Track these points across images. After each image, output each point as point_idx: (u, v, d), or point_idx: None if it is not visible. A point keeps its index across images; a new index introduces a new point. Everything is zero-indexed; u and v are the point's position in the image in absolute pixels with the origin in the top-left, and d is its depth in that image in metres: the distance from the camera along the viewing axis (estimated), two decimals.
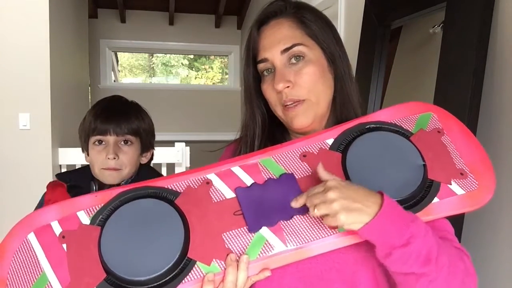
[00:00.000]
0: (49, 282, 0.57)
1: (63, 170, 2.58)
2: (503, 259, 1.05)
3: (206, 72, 8.18)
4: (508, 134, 1.03)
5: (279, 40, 0.69)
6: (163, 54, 7.60)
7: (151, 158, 1.10)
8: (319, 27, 0.71)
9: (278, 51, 0.69)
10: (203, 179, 0.63)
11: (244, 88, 0.77)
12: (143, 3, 4.63)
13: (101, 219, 0.60)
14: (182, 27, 4.89)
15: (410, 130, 0.67)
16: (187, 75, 8.37)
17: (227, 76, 5.62)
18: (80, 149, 1.05)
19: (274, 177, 0.63)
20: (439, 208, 0.61)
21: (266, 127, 0.75)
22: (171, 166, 2.42)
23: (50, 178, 2.41)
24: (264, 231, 0.59)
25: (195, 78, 8.24)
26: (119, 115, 0.99)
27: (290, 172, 0.63)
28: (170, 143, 2.46)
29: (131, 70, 8.22)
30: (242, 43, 4.99)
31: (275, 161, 0.65)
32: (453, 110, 1.11)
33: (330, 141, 0.66)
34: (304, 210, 0.59)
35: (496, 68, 1.07)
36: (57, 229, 0.60)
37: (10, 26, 2.55)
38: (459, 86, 1.10)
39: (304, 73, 0.68)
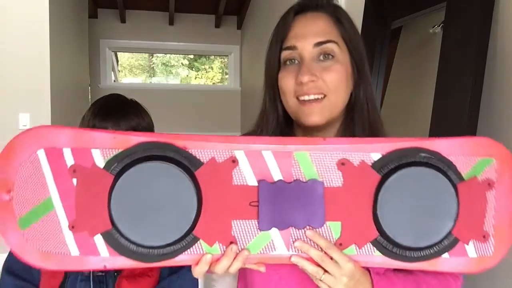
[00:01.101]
0: (55, 209, 0.55)
1: None
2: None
3: (206, 72, 8.18)
4: (508, 134, 1.03)
5: (315, 32, 0.67)
6: (163, 54, 7.60)
7: None
8: (353, 32, 0.70)
9: (311, 43, 0.67)
10: (230, 155, 0.58)
11: (265, 73, 0.74)
12: (143, 3, 4.63)
13: (116, 167, 0.56)
14: (182, 27, 4.89)
15: (462, 173, 0.61)
16: (187, 75, 8.37)
17: (227, 76, 5.62)
18: None
19: (304, 179, 0.59)
20: (445, 263, 0.60)
21: (283, 117, 0.73)
22: None
23: None
24: (273, 231, 0.58)
25: (195, 78, 8.24)
26: (118, 112, 0.98)
27: (320, 180, 0.59)
28: None
29: (131, 70, 8.22)
30: (242, 43, 4.99)
31: (310, 159, 0.60)
32: (453, 110, 1.12)
33: (375, 156, 0.60)
34: (320, 223, 0.58)
35: (496, 68, 1.07)
36: (68, 158, 0.56)
37: (10, 26, 2.55)
38: (459, 86, 1.10)
39: (332, 71, 0.66)
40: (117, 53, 5.72)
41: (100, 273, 0.90)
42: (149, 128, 1.04)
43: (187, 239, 0.57)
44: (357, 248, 0.59)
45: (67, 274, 0.90)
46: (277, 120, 0.73)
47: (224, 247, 0.57)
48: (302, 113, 0.68)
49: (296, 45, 0.67)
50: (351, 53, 0.69)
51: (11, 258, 0.94)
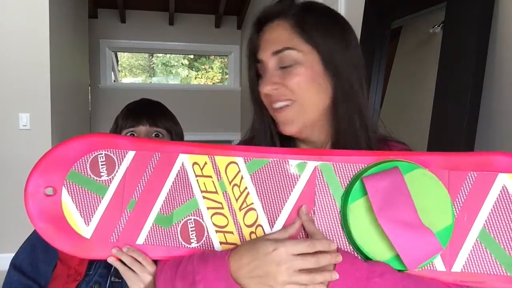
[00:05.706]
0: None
1: None
2: None
3: (206, 72, 8.19)
4: (508, 134, 1.03)
5: (272, 41, 0.67)
6: (163, 54, 7.60)
7: None
8: (323, 33, 0.65)
9: (269, 53, 0.66)
10: None
11: (249, 89, 0.73)
12: (143, 3, 4.63)
13: None
14: (182, 27, 4.89)
15: None
16: (187, 75, 8.37)
17: (227, 76, 5.62)
18: None
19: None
20: None
21: (275, 132, 0.71)
22: None
23: None
24: None
25: (195, 78, 8.24)
26: (154, 109, 0.98)
27: None
28: None
29: (131, 70, 8.23)
30: (242, 43, 4.99)
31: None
32: (453, 110, 1.12)
33: None
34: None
35: (496, 68, 1.07)
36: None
37: (10, 26, 2.55)
38: (459, 86, 1.10)
39: (293, 74, 0.65)
40: (117, 53, 5.72)
41: (116, 280, 0.87)
42: (181, 135, 1.04)
43: None
44: None
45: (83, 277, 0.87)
46: (271, 136, 0.71)
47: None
48: (277, 122, 0.68)
49: (261, 57, 0.68)
50: (319, 52, 0.65)
51: (20, 255, 0.92)
